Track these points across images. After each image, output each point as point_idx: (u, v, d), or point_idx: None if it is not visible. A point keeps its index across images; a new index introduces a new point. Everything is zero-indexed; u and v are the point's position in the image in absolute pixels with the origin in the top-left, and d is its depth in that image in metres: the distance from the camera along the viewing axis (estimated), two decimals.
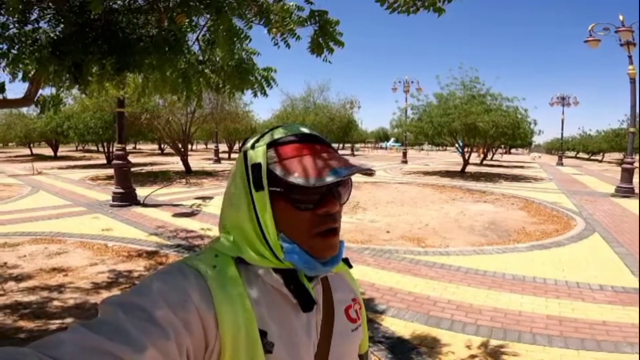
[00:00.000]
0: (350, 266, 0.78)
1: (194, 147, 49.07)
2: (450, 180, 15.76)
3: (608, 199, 11.25)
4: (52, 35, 2.27)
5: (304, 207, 0.62)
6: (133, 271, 4.65)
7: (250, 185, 0.64)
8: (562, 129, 30.97)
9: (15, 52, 2.28)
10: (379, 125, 79.21)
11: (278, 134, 0.66)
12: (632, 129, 12.32)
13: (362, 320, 0.78)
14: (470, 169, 20.49)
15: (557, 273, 4.76)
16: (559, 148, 33.22)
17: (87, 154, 34.48)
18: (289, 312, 0.64)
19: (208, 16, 2.25)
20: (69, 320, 3.41)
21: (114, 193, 9.02)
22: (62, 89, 3.30)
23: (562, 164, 27.89)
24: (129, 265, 4.88)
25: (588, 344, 3.11)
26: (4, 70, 2.66)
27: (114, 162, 9.28)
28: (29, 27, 2.23)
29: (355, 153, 44.28)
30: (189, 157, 18.41)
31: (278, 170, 0.62)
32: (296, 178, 0.60)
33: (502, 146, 37.31)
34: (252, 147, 0.66)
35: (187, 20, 2.19)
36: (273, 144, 0.65)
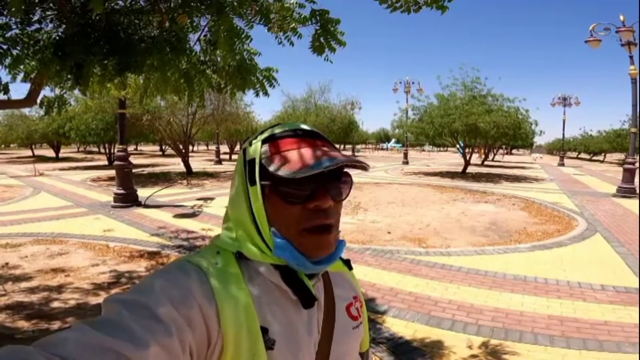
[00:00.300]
0: (350, 268, 0.78)
1: (195, 148, 49.11)
2: (451, 181, 15.75)
3: (609, 199, 11.24)
4: (54, 36, 2.28)
5: (294, 201, 0.62)
6: (134, 272, 4.66)
7: (247, 180, 0.65)
8: (564, 130, 31.04)
9: (17, 52, 2.29)
10: (379, 126, 79.28)
11: (274, 130, 0.67)
12: (633, 129, 12.30)
13: (363, 319, 0.78)
14: (471, 169, 20.47)
15: (559, 273, 4.75)
16: (560, 148, 33.18)
17: (88, 155, 34.55)
18: (290, 308, 0.64)
19: (209, 16, 2.25)
20: (70, 320, 3.42)
21: (116, 194, 9.04)
22: (63, 90, 3.30)
23: (563, 165, 27.86)
24: (130, 265, 4.89)
25: (590, 344, 3.11)
26: (5, 71, 2.67)
27: (116, 163, 9.30)
28: (31, 28, 2.24)
29: (356, 154, 44.26)
30: (190, 159, 18.44)
31: (268, 165, 0.63)
32: (282, 171, 0.60)
33: (503, 147, 37.36)
34: (250, 143, 0.67)
35: (189, 20, 2.20)
36: (267, 140, 0.66)
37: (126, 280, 4.38)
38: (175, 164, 22.01)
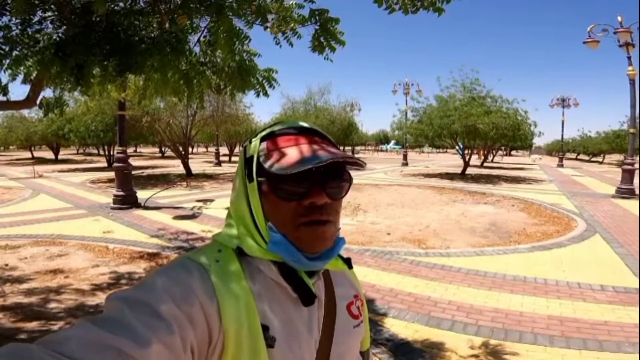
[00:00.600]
0: (350, 267, 0.77)
1: (195, 150, 49.12)
2: (450, 182, 15.76)
3: (608, 200, 11.25)
4: (54, 37, 2.29)
5: (289, 197, 0.62)
6: (134, 273, 4.66)
7: (246, 177, 0.66)
8: (563, 131, 31.00)
9: (17, 53, 2.30)
10: (379, 128, 79.31)
11: (274, 128, 0.68)
12: (632, 130, 12.33)
13: (364, 317, 0.78)
14: (470, 170, 20.49)
15: (558, 274, 4.75)
16: (559, 150, 33.22)
17: (88, 157, 34.53)
18: (290, 306, 0.64)
19: (208, 17, 2.26)
20: (70, 321, 3.41)
21: (115, 196, 9.03)
22: (63, 91, 3.31)
23: (562, 166, 27.90)
24: (130, 267, 4.89)
25: (590, 344, 3.11)
26: (5, 72, 2.68)
27: (115, 164, 9.29)
28: (32, 29, 2.25)
29: (356, 155, 44.22)
30: (190, 160, 18.44)
31: (265, 162, 0.63)
32: (276, 167, 0.61)
33: (503, 148, 37.37)
34: (250, 141, 0.68)
35: (188, 22, 2.21)
36: (266, 137, 0.66)
37: (126, 282, 4.37)
38: (175, 166, 22.01)
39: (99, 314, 0.52)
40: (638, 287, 4.29)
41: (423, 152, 58.15)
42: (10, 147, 34.56)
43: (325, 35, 2.45)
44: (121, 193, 8.98)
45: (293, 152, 0.63)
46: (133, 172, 9.90)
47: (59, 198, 10.52)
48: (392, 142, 61.78)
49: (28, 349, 0.43)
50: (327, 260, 0.66)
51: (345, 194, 0.68)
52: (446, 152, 59.67)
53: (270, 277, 0.64)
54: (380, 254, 5.53)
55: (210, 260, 0.62)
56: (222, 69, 3.15)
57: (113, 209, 8.77)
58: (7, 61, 2.27)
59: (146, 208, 8.94)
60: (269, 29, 2.35)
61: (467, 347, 3.09)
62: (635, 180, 11.94)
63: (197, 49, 3.06)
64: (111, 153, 22.80)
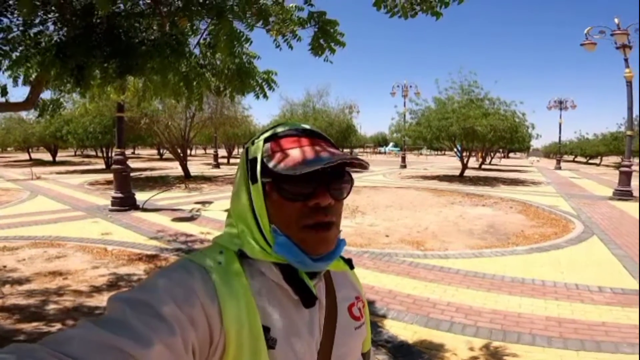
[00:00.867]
0: (352, 267, 0.77)
1: (193, 152, 49.06)
2: (449, 184, 15.79)
3: (606, 202, 11.30)
4: (55, 38, 2.30)
5: (294, 198, 0.63)
6: (133, 274, 4.65)
7: (249, 178, 0.66)
8: (560, 133, 31.04)
9: (17, 54, 2.30)
10: (377, 130, 79.46)
11: (276, 129, 0.68)
12: (629, 132, 12.39)
13: (366, 319, 0.78)
14: (468, 173, 20.54)
15: (556, 275, 4.77)
16: (557, 152, 33.33)
17: (85, 159, 34.45)
18: (291, 308, 0.64)
19: (209, 20, 2.27)
20: (69, 322, 3.41)
21: (113, 197, 9.02)
22: (62, 93, 3.32)
23: (560, 168, 27.99)
24: (129, 268, 4.88)
25: (587, 345, 3.12)
26: (4, 73, 2.68)
27: (114, 166, 9.28)
28: (33, 30, 2.26)
29: None
30: (188, 162, 18.42)
31: (269, 163, 0.64)
32: (282, 168, 0.61)
33: (501, 150, 37.40)
34: (253, 142, 0.69)
35: (189, 24, 2.22)
36: (270, 139, 0.67)
37: (125, 283, 4.37)
38: (173, 168, 21.97)
39: (101, 315, 0.53)
40: (636, 288, 4.32)
41: (421, 154, 58.23)
42: (8, 148, 34.45)
43: (325, 37, 2.46)
44: (120, 195, 8.96)
45: (300, 153, 0.63)
46: (131, 174, 9.89)
47: (57, 200, 10.49)
48: (391, 144, 61.83)
49: (30, 348, 0.44)
50: (330, 261, 0.66)
51: (347, 195, 0.68)
52: (444, 154, 59.83)
53: (271, 278, 0.64)
54: (379, 255, 5.54)
55: (212, 262, 0.62)
56: (221, 71, 3.16)
57: (111, 210, 8.75)
58: (8, 62, 2.28)
59: (145, 210, 8.92)
60: (270, 32, 2.36)
61: (466, 348, 3.10)
62: (634, 182, 12.00)
63: (196, 51, 3.07)
64: (109, 155, 22.75)
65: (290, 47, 2.72)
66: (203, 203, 10.21)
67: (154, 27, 2.49)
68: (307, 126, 0.69)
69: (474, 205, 10.49)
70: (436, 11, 2.14)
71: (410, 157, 39.61)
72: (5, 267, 4.87)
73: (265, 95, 3.65)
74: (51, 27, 2.47)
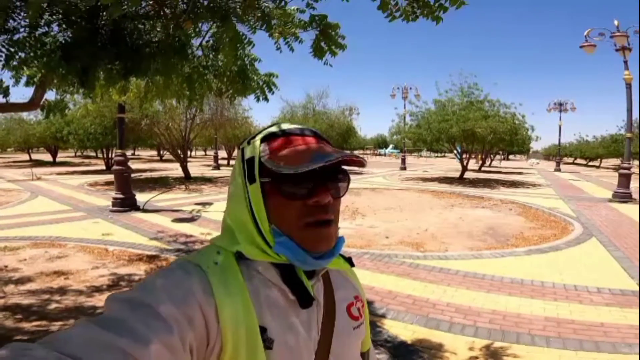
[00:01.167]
0: (352, 265, 0.78)
1: (193, 153, 49.10)
2: (448, 187, 15.81)
3: (605, 204, 11.32)
4: (60, 40, 2.33)
5: (294, 197, 0.63)
6: (134, 274, 4.67)
7: (246, 178, 0.66)
8: (560, 135, 31.08)
9: (22, 55, 2.33)
10: (377, 132, 79.56)
11: (273, 129, 0.68)
12: (628, 134, 12.42)
13: (365, 319, 0.78)
14: (468, 175, 20.56)
15: (555, 276, 4.79)
16: (556, 154, 33.35)
17: (85, 160, 34.48)
18: (289, 308, 0.64)
19: (212, 22, 2.31)
20: (70, 322, 3.43)
21: (114, 198, 9.05)
22: (66, 94, 3.35)
23: (559, 170, 28.02)
24: (129, 269, 4.90)
25: (586, 345, 3.15)
26: (8, 73, 2.71)
27: (114, 167, 9.32)
28: (38, 31, 2.29)
29: None
30: (188, 164, 18.45)
31: (268, 162, 0.63)
32: (282, 167, 0.61)
33: (500, 152, 37.49)
34: (248, 142, 0.69)
35: (192, 26, 2.25)
36: (266, 138, 0.67)
37: (126, 283, 4.39)
38: (173, 169, 22.00)
39: (100, 315, 0.53)
40: (635, 289, 4.34)
41: (421, 156, 58.29)
42: (8, 149, 34.47)
43: (326, 40, 2.50)
44: (120, 196, 8.99)
45: (301, 151, 0.63)
46: (132, 175, 9.92)
47: (58, 200, 10.51)
48: (391, 146, 61.91)
49: (30, 348, 0.44)
50: (331, 258, 0.67)
51: (345, 192, 0.69)
52: (444, 156, 59.85)
53: (268, 279, 0.64)
54: (379, 257, 5.57)
55: (209, 263, 0.62)
56: (223, 73, 3.19)
57: (112, 211, 8.78)
58: (15, 63, 2.31)
59: (145, 211, 8.95)
60: (272, 35, 2.39)
61: (466, 348, 3.12)
62: (633, 185, 12.02)
63: (199, 53, 3.10)
64: (109, 156, 22.78)
65: (292, 49, 2.75)
66: (203, 204, 10.24)
67: (158, 29, 2.53)
68: (302, 126, 0.70)
69: (474, 207, 10.51)
70: (436, 15, 2.16)
71: (410, 159, 39.64)
72: (6, 267, 4.89)
73: (265, 98, 3.68)
74: (55, 29, 2.51)
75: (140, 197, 9.76)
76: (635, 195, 11.50)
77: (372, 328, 3.38)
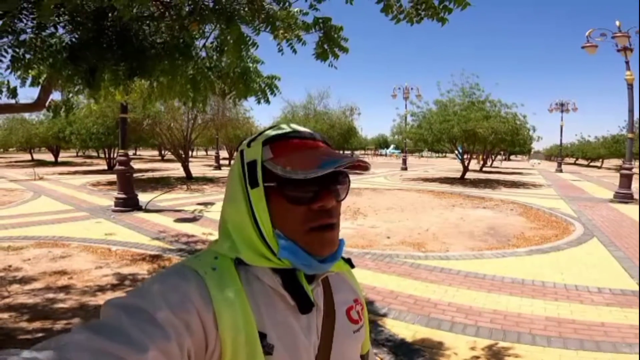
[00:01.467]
0: (352, 266, 0.77)
1: (194, 153, 49.16)
2: (449, 187, 15.82)
3: (606, 204, 11.32)
4: (67, 41, 2.36)
5: (299, 201, 0.62)
6: (137, 274, 4.70)
7: (246, 182, 0.64)
8: (561, 136, 31.08)
9: (29, 56, 2.36)
10: (378, 132, 79.63)
11: (274, 131, 0.67)
12: (630, 135, 12.41)
13: (364, 321, 0.78)
14: (469, 175, 20.56)
15: (556, 276, 4.81)
16: (558, 154, 33.31)
17: (87, 160, 34.56)
18: (289, 314, 0.64)
19: (217, 24, 2.33)
20: (74, 321, 3.46)
21: (116, 198, 9.08)
22: (70, 94, 3.38)
23: (561, 171, 27.98)
24: (133, 268, 4.93)
25: (587, 345, 3.16)
26: (14, 74, 2.74)
27: (117, 167, 9.35)
28: (45, 32, 2.32)
29: None
30: (190, 164, 18.49)
31: (272, 166, 0.62)
32: (289, 172, 0.60)
33: (502, 153, 37.44)
34: (249, 145, 0.67)
35: (198, 27, 2.27)
36: (268, 141, 0.65)
37: (130, 283, 4.42)
38: (175, 169, 22.05)
39: (95, 320, 0.53)
40: (635, 289, 4.35)
41: (422, 156, 58.32)
42: (10, 149, 34.56)
43: (329, 43, 2.52)
44: (123, 195, 9.02)
45: (308, 156, 0.62)
46: (134, 175, 9.95)
47: (60, 200, 10.56)
48: (392, 146, 61.96)
49: (13, 353, 0.43)
50: (334, 261, 0.66)
51: (346, 196, 0.68)
52: (445, 156, 59.85)
53: (268, 284, 0.63)
54: (381, 257, 5.59)
55: (206, 268, 0.61)
56: (226, 75, 3.22)
57: (114, 211, 8.81)
58: (20, 64, 2.34)
59: (147, 211, 8.98)
60: (276, 37, 2.41)
61: (467, 348, 3.14)
62: (634, 185, 12.02)
63: (202, 54, 3.13)
64: (111, 156, 22.83)
65: (294, 51, 2.78)
66: (205, 204, 10.27)
67: (163, 30, 2.56)
68: (303, 128, 0.69)
69: (475, 208, 10.53)
70: (441, 17, 2.18)
71: (411, 159, 39.64)
72: (10, 266, 4.92)
73: (267, 100, 3.70)
74: (61, 30, 2.54)
75: (142, 197, 9.80)
76: (636, 196, 11.50)
77: (374, 327, 3.42)
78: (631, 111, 12.16)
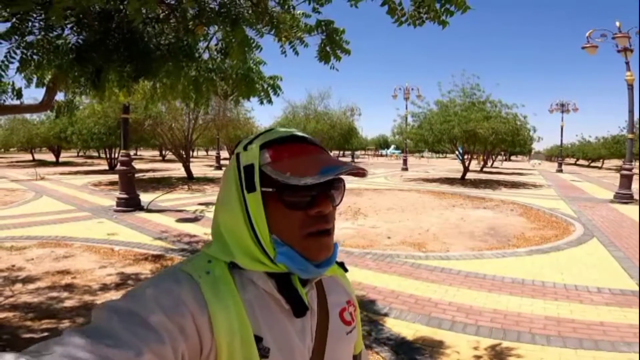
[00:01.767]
0: (345, 270, 0.78)
1: (195, 154, 49.23)
2: (450, 187, 15.85)
3: (607, 204, 11.34)
4: (73, 42, 2.40)
5: (297, 207, 0.62)
6: (140, 274, 4.74)
7: (243, 187, 0.63)
8: (562, 136, 31.15)
9: (36, 58, 2.40)
10: (379, 133, 79.66)
11: (271, 135, 0.66)
12: (630, 135, 12.43)
13: (357, 322, 0.79)
14: (470, 175, 20.58)
15: (556, 276, 4.84)
16: (558, 155, 33.32)
17: (88, 160, 34.62)
18: (283, 317, 0.64)
19: (221, 26, 2.37)
20: (79, 320, 3.49)
21: (118, 198, 9.12)
22: (75, 95, 3.41)
23: (561, 171, 27.98)
24: (136, 268, 4.97)
25: (586, 344, 3.19)
26: (20, 75, 2.78)
27: (119, 167, 9.38)
28: (52, 34, 2.35)
29: (356, 160, 44.45)
30: (191, 164, 18.53)
31: (270, 171, 0.62)
32: (288, 177, 0.60)
33: (502, 153, 37.46)
34: (245, 148, 0.66)
35: (205, 30, 2.31)
36: (266, 145, 0.64)
37: (133, 282, 4.45)
38: (176, 169, 22.10)
39: (88, 324, 0.52)
40: (635, 289, 4.38)
41: (423, 157, 58.32)
42: (11, 149, 34.63)
43: (331, 45, 2.56)
44: (124, 196, 9.06)
45: (307, 161, 0.62)
46: (135, 175, 9.99)
47: (62, 200, 10.60)
48: (392, 147, 61.97)
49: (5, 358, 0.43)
50: (330, 265, 0.67)
51: (341, 200, 0.69)
52: (446, 157, 59.85)
53: (263, 288, 0.63)
54: (381, 257, 5.62)
55: (200, 272, 0.61)
56: (229, 76, 3.25)
57: (116, 211, 8.85)
58: (29, 66, 2.37)
59: (149, 211, 9.02)
60: (278, 39, 2.45)
61: (467, 347, 3.17)
62: (634, 185, 12.03)
63: (206, 55, 3.17)
64: (113, 156, 22.88)
65: (296, 53, 2.81)
66: (206, 204, 10.30)
67: (168, 32, 2.59)
68: (298, 133, 0.68)
69: (475, 208, 10.56)
70: (443, 20, 2.21)
71: (411, 159, 39.67)
72: (14, 266, 4.96)
73: (270, 101, 3.75)
74: (66, 31, 2.58)
75: (144, 197, 9.84)
76: (636, 196, 11.52)
77: (375, 327, 3.45)
78: (631, 112, 12.18)
